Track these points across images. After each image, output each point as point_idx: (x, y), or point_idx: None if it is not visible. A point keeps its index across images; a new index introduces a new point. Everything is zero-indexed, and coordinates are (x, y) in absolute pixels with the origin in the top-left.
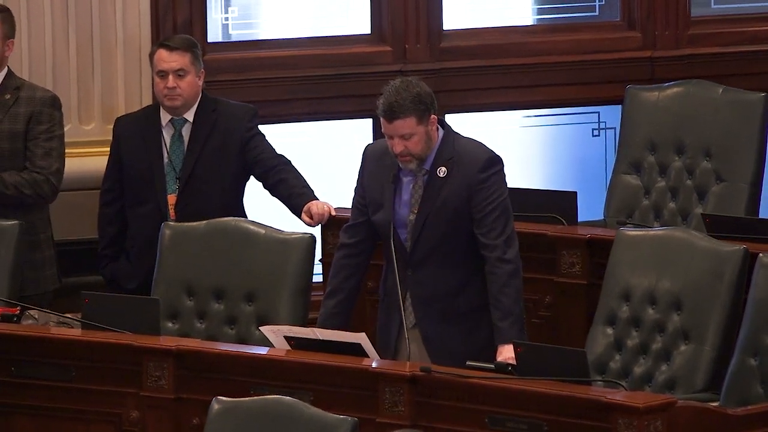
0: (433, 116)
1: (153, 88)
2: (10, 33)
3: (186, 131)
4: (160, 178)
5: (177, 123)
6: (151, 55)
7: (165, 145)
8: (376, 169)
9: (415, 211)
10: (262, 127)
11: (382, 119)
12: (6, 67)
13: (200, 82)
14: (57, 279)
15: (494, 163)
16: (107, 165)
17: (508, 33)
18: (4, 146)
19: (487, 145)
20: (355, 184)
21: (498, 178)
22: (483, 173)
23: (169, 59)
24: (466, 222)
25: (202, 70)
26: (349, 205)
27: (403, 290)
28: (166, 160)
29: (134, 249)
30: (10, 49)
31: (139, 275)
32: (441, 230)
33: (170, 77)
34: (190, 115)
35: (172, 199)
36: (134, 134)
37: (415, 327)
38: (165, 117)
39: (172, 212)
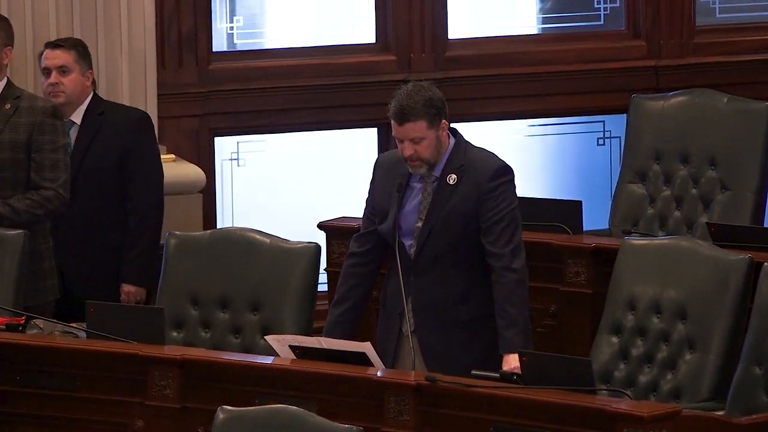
0: (444, 122)
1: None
2: (8, 41)
3: (73, 133)
4: None
5: (66, 125)
6: (39, 57)
7: None
8: (387, 179)
9: (423, 218)
10: (267, 137)
11: (393, 122)
12: (6, 77)
13: (87, 83)
14: (58, 289)
15: (505, 172)
16: None
17: (512, 42)
18: (5, 156)
19: (497, 155)
20: (362, 193)
21: (508, 187)
22: (492, 182)
23: (52, 56)
24: (473, 231)
25: (90, 71)
26: (354, 214)
27: (405, 297)
28: None
29: None
30: (8, 57)
31: None
32: (447, 238)
33: (53, 73)
34: (77, 117)
35: None
36: None
37: (413, 334)
38: None
39: None
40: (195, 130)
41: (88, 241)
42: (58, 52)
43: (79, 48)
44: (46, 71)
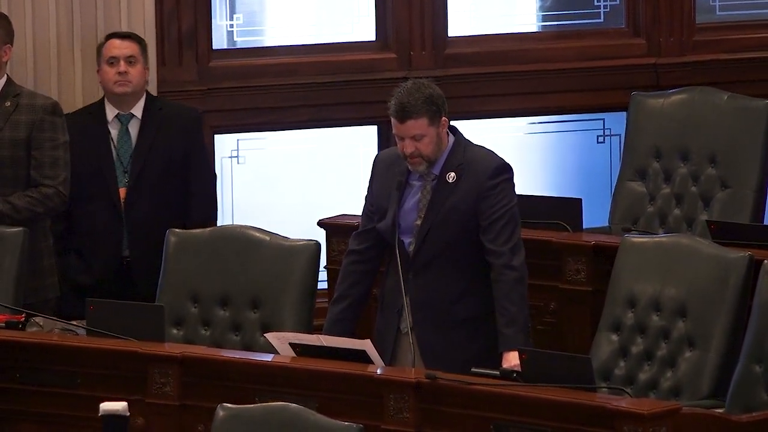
0: (444, 118)
1: (101, 80)
2: (7, 38)
3: (133, 127)
4: (110, 174)
5: (123, 118)
6: (100, 48)
7: (112, 140)
8: (386, 177)
9: (422, 216)
10: (267, 134)
11: (393, 120)
12: (5, 75)
13: (147, 78)
14: (58, 287)
15: (504, 170)
16: None
17: (512, 40)
18: (5, 154)
19: (496, 153)
20: (362, 191)
21: (507, 185)
22: (492, 180)
23: (122, 46)
24: (472, 229)
25: (147, 67)
26: (354, 211)
27: (404, 294)
28: (114, 155)
29: (87, 245)
30: (7, 54)
31: (95, 271)
32: (446, 236)
33: (122, 62)
34: (137, 111)
35: (122, 192)
36: (78, 131)
37: (411, 332)
38: (111, 112)
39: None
40: None
41: (155, 236)
42: (127, 43)
43: (143, 42)
44: (113, 61)
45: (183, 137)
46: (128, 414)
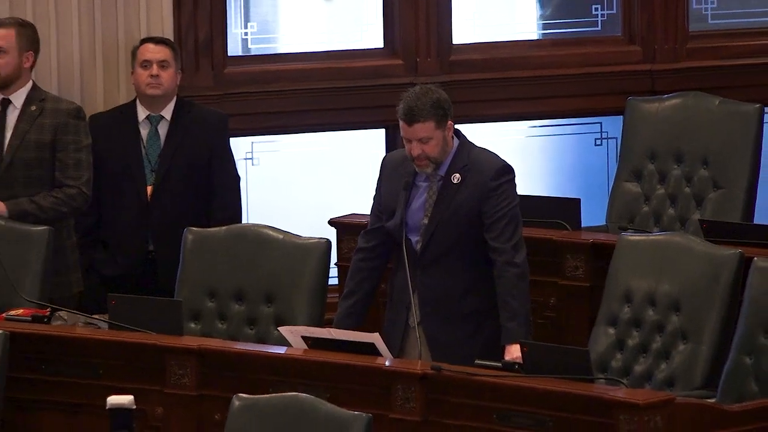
0: (450, 122)
1: (134, 82)
2: (29, 46)
3: (162, 128)
4: (139, 172)
5: (153, 119)
6: (134, 50)
7: (142, 140)
8: (393, 177)
9: (428, 215)
10: (280, 137)
11: (401, 123)
12: (31, 81)
13: (178, 82)
14: (82, 283)
15: (506, 172)
16: None
17: (514, 47)
18: (31, 155)
19: (499, 155)
20: (370, 191)
21: (509, 186)
22: (495, 181)
23: (156, 50)
24: (476, 228)
25: (180, 71)
26: (363, 211)
27: (411, 291)
28: (143, 154)
29: (113, 238)
30: (29, 61)
31: (121, 264)
32: (451, 234)
33: (154, 66)
34: (167, 113)
35: (149, 190)
36: (110, 130)
37: (419, 326)
38: (142, 113)
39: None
40: None
41: (179, 232)
42: (161, 47)
43: (176, 47)
44: (146, 64)
45: (208, 140)
46: (134, 407)
